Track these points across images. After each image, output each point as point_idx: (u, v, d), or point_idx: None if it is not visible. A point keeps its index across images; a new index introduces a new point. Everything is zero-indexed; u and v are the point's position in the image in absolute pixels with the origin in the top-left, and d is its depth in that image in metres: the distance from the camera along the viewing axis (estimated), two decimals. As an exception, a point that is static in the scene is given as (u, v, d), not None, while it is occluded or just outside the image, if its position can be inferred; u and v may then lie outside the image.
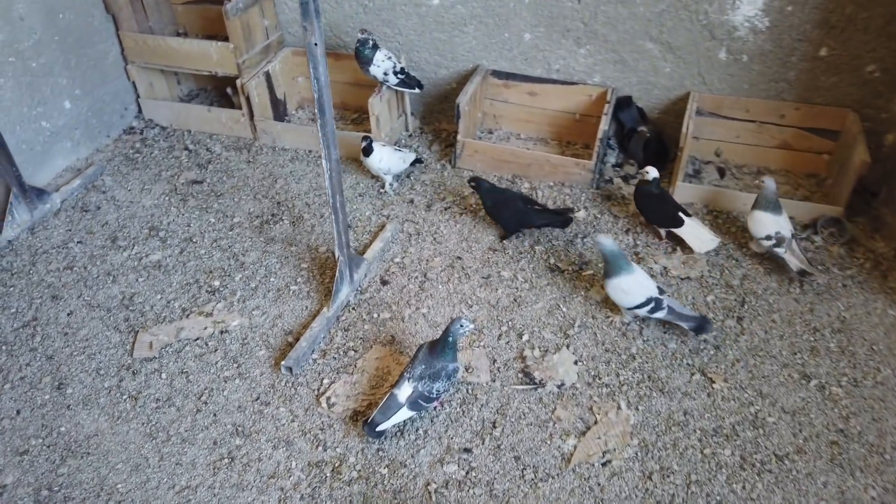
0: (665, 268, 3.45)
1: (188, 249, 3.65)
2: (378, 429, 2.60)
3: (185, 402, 2.86)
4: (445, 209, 3.91)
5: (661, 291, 2.99)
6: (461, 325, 2.64)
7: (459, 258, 3.58)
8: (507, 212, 3.59)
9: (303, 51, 4.56)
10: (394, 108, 4.50)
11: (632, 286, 2.97)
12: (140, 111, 4.75)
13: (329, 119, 2.81)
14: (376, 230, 3.77)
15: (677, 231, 3.52)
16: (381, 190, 4.07)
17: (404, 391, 2.63)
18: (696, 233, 3.50)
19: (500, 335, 3.13)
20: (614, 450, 2.64)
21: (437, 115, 4.75)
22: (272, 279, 3.46)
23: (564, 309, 3.25)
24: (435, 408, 2.78)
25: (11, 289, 3.41)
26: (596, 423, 2.74)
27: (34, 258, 3.59)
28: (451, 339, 2.61)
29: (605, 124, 3.89)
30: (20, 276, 3.48)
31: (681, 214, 3.49)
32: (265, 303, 3.33)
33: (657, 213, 3.58)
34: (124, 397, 2.88)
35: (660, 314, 2.95)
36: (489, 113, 4.57)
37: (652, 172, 3.51)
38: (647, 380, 2.90)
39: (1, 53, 3.73)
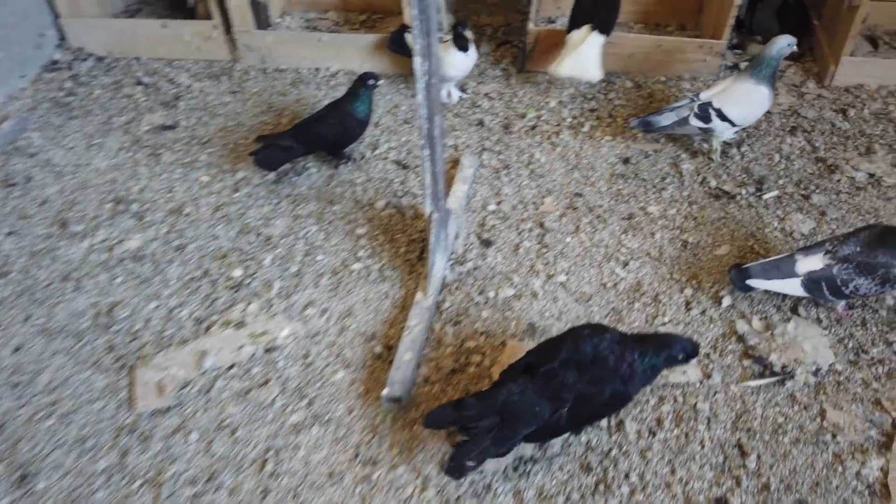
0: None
1: (179, 226, 2.46)
2: (748, 282, 1.99)
3: (241, 480, 1.76)
4: (531, 129, 2.80)
5: None
6: None
7: (579, 195, 2.50)
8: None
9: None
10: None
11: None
12: (63, 37, 3.38)
13: (428, -16, 1.63)
14: (448, 167, 2.64)
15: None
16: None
17: (810, 262, 1.90)
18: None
19: (688, 303, 2.11)
20: (943, 467, 1.69)
21: (473, 6, 3.56)
22: (319, 257, 2.33)
23: (762, 251, 2.24)
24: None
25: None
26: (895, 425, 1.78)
27: (-58, 267, 2.35)
28: None
29: (743, -15, 2.79)
30: (-75, 299, 2.24)
31: None
32: (320, 295, 2.20)
33: None
34: (137, 485, 1.76)
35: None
36: (549, -5, 3.40)
37: None
38: (936, 347, 1.94)
39: None
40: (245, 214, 2.50)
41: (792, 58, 3.06)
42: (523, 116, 2.87)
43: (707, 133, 2.44)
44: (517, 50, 3.17)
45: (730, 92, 2.38)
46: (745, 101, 2.36)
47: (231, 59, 3.30)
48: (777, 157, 2.58)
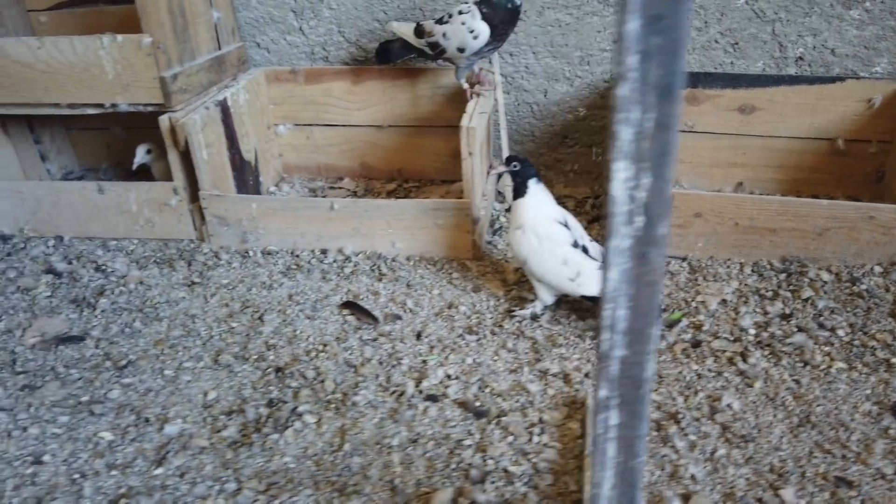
0: None
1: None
2: None
3: None
4: (693, 346, 1.62)
5: None
6: None
7: (847, 483, 1.25)
8: None
9: (286, 74, 2.39)
10: (480, 156, 2.30)
11: None
12: (-46, 207, 2.32)
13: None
14: (558, 417, 1.41)
15: None
16: (516, 313, 1.76)
17: None
18: None
19: None
20: None
21: (547, 172, 2.57)
22: None
23: None
24: None
25: None
26: None
27: None
28: None
29: None
30: None
31: None
32: None
33: None
34: None
35: None
36: (657, 156, 2.41)
37: None
38: None
39: None
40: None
41: None
42: (671, 325, 1.69)
43: None
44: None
45: None
46: None
47: (197, 238, 2.21)
48: None
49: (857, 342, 1.61)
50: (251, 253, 2.12)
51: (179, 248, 2.18)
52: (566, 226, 1.69)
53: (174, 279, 2.02)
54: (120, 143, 2.70)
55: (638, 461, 0.76)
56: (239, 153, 2.29)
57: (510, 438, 1.38)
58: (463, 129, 1.89)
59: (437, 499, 1.24)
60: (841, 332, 1.64)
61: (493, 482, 1.28)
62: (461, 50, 2.00)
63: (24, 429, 1.46)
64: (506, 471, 1.30)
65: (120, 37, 1.96)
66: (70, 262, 2.12)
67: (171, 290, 1.96)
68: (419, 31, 2.08)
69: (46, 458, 1.38)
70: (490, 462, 1.32)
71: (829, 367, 1.53)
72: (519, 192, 1.71)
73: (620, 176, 0.62)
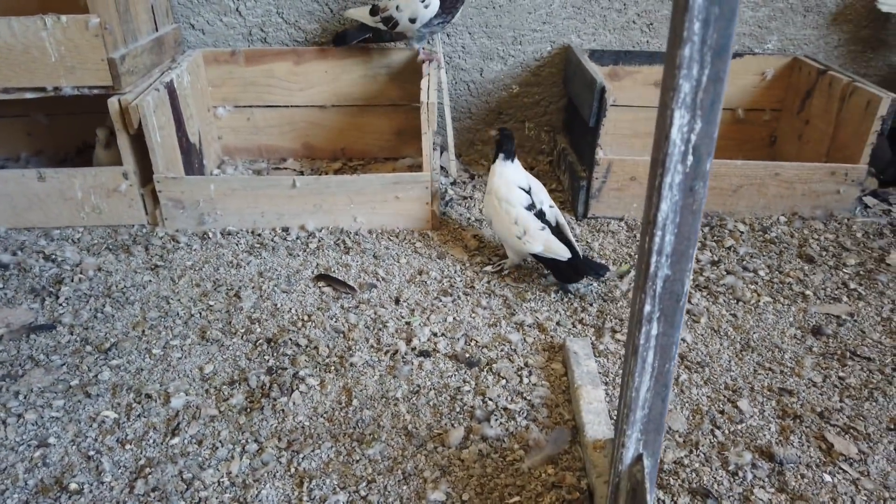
0: None
1: (58, 525, 1.18)
2: None
3: None
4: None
5: None
6: None
7: (788, 392, 1.51)
8: None
9: (225, 55, 2.39)
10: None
11: None
12: None
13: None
14: (542, 359, 1.58)
15: None
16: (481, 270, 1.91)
17: None
18: None
19: None
20: None
21: (481, 148, 2.73)
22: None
23: None
24: None
25: None
26: None
27: None
28: None
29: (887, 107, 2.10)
30: None
31: None
32: None
33: None
34: None
35: None
36: (585, 128, 2.63)
37: None
38: None
39: None
40: (199, 492, 1.27)
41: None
42: (621, 277, 1.90)
43: None
44: (570, 192, 2.30)
45: None
46: None
47: (149, 223, 2.19)
48: None
49: (776, 280, 1.89)
50: (210, 234, 2.13)
51: (132, 234, 2.15)
52: (528, 191, 1.86)
53: (134, 264, 2.00)
54: (42, 129, 2.58)
55: (672, 364, 0.93)
56: (185, 135, 2.28)
57: (503, 382, 1.53)
58: (424, 104, 2.00)
59: (452, 436, 1.37)
60: (762, 273, 1.91)
61: (496, 419, 1.42)
62: (413, 20, 2.11)
63: (20, 416, 1.44)
64: (505, 409, 1.45)
65: (64, 17, 1.91)
66: (14, 254, 2.04)
67: (134, 275, 1.95)
68: (374, 10, 2.18)
69: (52, 440, 1.38)
70: (490, 403, 1.47)
71: (758, 301, 1.79)
72: (493, 159, 1.89)
73: (677, 122, 0.77)
